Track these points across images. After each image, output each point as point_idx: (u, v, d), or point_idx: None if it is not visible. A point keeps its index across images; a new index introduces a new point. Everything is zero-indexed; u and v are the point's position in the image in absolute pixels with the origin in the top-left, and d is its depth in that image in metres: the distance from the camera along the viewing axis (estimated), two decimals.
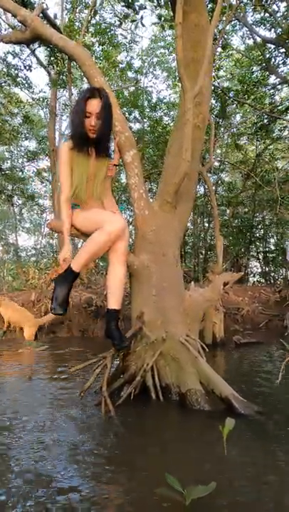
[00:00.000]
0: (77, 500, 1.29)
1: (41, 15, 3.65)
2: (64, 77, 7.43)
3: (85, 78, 3.06)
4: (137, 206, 2.58)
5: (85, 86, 8.85)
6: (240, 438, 1.77)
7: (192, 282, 3.31)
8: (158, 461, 1.61)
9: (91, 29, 7.04)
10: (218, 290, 2.69)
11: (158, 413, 2.17)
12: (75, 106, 2.10)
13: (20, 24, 3.00)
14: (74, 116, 2.06)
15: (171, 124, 8.80)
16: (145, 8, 5.16)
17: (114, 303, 2.22)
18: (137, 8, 5.00)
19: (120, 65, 8.56)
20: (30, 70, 7.77)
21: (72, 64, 6.29)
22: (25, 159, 11.40)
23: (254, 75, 7.68)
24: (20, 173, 11.36)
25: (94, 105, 2.01)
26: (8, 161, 11.89)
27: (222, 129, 8.56)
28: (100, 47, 7.46)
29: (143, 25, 5.44)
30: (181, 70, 2.42)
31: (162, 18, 5.78)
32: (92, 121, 2.01)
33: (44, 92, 9.55)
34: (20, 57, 7.72)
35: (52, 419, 2.10)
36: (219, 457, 1.60)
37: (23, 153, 11.40)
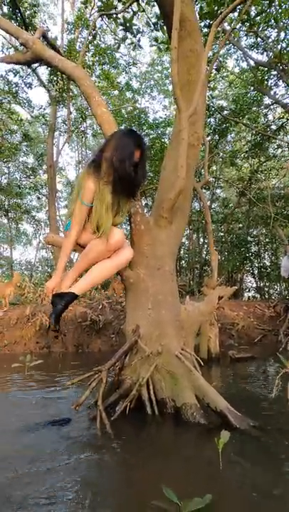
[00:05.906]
0: None
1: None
2: (64, 95, 7.62)
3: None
4: (134, 221, 2.63)
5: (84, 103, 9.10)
6: (234, 452, 1.77)
7: (187, 296, 3.34)
8: (154, 475, 1.61)
9: (91, 49, 7.26)
10: (212, 304, 2.72)
11: (154, 427, 2.16)
12: (124, 147, 2.04)
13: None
14: (125, 159, 2.03)
15: (167, 141, 8.99)
16: (143, 31, 5.37)
17: (79, 286, 2.17)
18: (135, 31, 5.19)
19: (120, 87, 8.82)
20: (31, 88, 7.99)
21: (71, 82, 6.46)
22: (23, 175, 11.53)
23: (248, 95, 7.94)
24: (18, 188, 11.47)
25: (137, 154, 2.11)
26: (6, 176, 12.00)
27: (219, 146, 8.76)
28: (99, 66, 7.70)
29: (140, 47, 5.65)
30: (176, 91, 2.51)
31: (159, 41, 6.00)
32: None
33: (44, 109, 9.74)
34: (21, 76, 7.94)
35: (45, 434, 2.08)
36: (214, 470, 1.60)
37: (21, 169, 11.53)
